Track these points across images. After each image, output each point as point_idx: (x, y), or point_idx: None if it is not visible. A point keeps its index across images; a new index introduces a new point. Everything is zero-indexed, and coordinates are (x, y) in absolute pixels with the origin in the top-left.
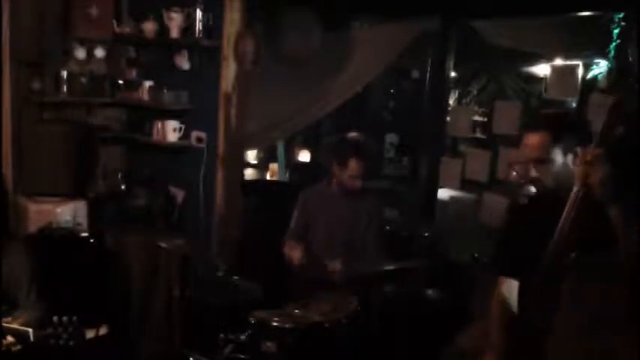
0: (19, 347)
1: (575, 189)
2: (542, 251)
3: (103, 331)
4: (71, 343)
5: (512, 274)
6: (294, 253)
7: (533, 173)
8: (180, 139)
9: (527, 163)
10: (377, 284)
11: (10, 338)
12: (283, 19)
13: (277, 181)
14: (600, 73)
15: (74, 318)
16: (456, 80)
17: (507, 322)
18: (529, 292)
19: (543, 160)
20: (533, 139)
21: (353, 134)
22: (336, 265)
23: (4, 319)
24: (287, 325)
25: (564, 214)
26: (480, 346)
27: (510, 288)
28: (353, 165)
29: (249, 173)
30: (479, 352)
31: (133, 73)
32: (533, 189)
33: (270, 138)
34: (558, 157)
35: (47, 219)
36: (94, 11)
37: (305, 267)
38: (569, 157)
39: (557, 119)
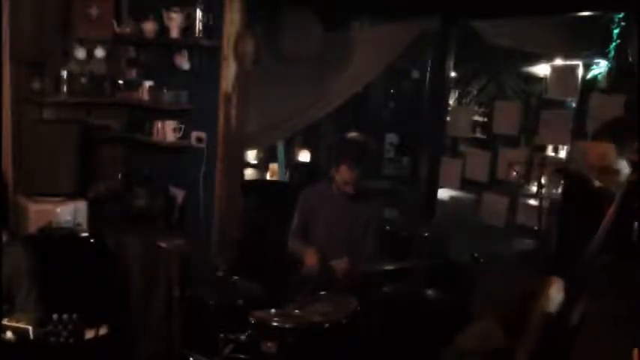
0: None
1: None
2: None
3: (103, 330)
4: (71, 340)
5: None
6: (310, 260)
7: (597, 183)
8: (180, 139)
9: (592, 172)
10: (377, 284)
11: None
12: (283, 19)
13: (277, 181)
14: (600, 73)
15: (74, 315)
16: (456, 80)
17: (545, 323)
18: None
19: (608, 170)
20: (594, 149)
21: (352, 135)
22: (341, 263)
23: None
24: (287, 325)
25: (606, 217)
26: (480, 346)
27: (559, 289)
28: (343, 171)
29: (249, 173)
30: (479, 352)
31: (133, 73)
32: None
33: (270, 138)
34: (623, 166)
35: (47, 219)
36: (94, 11)
37: (306, 267)
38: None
39: (618, 127)
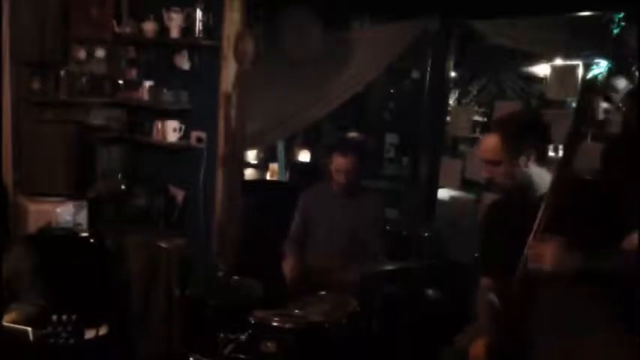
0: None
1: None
2: (511, 252)
3: (102, 330)
4: (70, 342)
5: (490, 275)
6: (286, 267)
7: (487, 175)
8: (180, 139)
9: (484, 165)
10: (377, 284)
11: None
12: (283, 19)
13: (277, 181)
14: (600, 73)
15: (73, 316)
16: (456, 80)
17: (493, 317)
18: (507, 292)
19: (494, 162)
20: (484, 142)
21: (352, 134)
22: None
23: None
24: (287, 325)
25: (537, 221)
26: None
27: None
28: (336, 159)
29: (249, 173)
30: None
31: (133, 73)
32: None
33: (270, 138)
34: (510, 158)
35: (47, 219)
36: (94, 11)
37: (304, 269)
38: (524, 159)
39: (509, 122)
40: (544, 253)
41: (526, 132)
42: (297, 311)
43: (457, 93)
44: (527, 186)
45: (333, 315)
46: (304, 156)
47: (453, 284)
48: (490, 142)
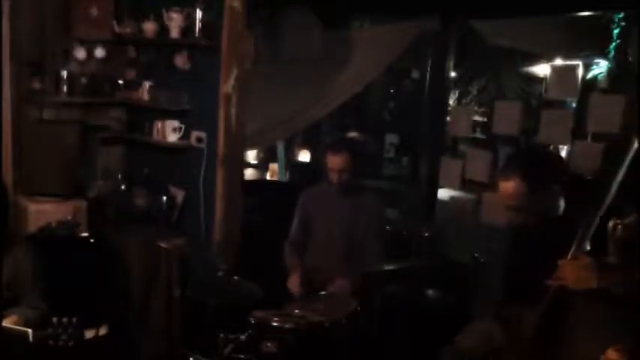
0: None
1: None
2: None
3: (103, 331)
4: (70, 343)
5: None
6: (293, 283)
7: (514, 221)
8: (180, 139)
9: (506, 210)
10: (377, 284)
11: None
12: (284, 19)
13: (277, 181)
14: (600, 73)
15: (74, 319)
16: (456, 80)
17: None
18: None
19: (520, 208)
20: (504, 188)
21: (351, 134)
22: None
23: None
24: (287, 325)
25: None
26: (480, 346)
27: None
28: (329, 158)
29: (249, 173)
30: (479, 352)
31: (133, 73)
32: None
33: (270, 138)
34: (534, 202)
35: (47, 219)
36: (94, 11)
37: (305, 270)
38: (550, 195)
39: (529, 166)
40: (576, 272)
41: (549, 171)
42: (297, 311)
43: (457, 93)
44: (557, 215)
45: (333, 315)
46: (304, 156)
47: (453, 284)
48: (511, 188)
